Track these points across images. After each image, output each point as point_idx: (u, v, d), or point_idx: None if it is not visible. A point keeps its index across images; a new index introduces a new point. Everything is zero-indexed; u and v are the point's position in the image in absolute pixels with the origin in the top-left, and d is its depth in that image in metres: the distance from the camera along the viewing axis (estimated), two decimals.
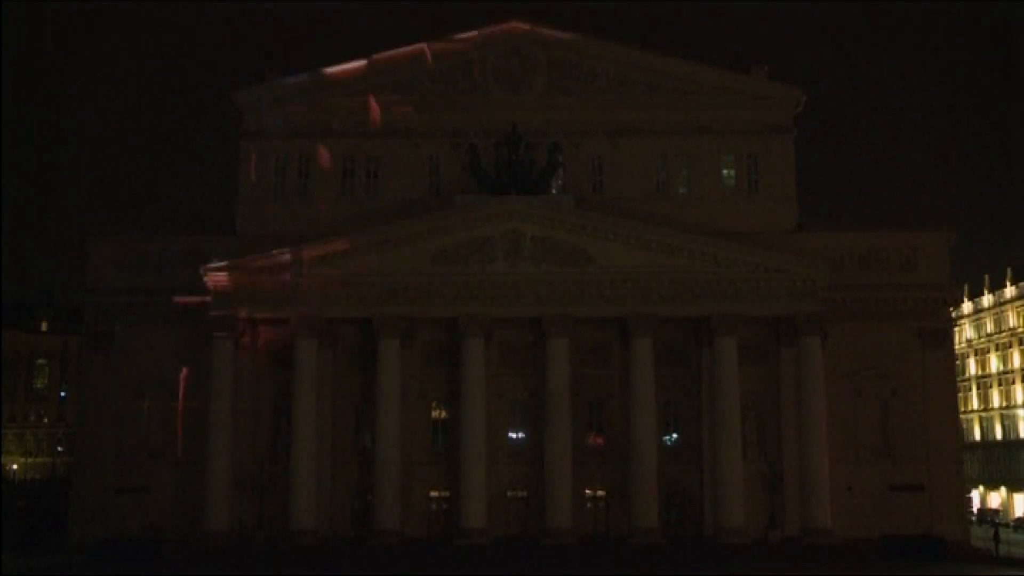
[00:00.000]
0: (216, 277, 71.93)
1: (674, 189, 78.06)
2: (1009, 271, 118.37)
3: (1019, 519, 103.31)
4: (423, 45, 77.41)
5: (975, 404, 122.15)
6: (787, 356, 73.22)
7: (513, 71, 77.63)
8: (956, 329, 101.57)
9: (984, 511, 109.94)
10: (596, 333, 74.42)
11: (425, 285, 71.80)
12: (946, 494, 73.78)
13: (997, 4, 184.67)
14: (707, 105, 77.81)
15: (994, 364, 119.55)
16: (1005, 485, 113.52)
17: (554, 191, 74.52)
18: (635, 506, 70.98)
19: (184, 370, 73.71)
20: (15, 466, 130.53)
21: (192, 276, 72.49)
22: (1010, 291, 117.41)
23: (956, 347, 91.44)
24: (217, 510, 70.58)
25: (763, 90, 78.31)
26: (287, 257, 72.08)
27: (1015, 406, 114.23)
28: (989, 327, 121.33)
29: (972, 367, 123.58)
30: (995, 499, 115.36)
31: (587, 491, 74.07)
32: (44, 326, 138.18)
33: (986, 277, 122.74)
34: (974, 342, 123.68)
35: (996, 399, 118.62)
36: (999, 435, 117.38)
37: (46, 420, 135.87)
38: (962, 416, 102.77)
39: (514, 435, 75.65)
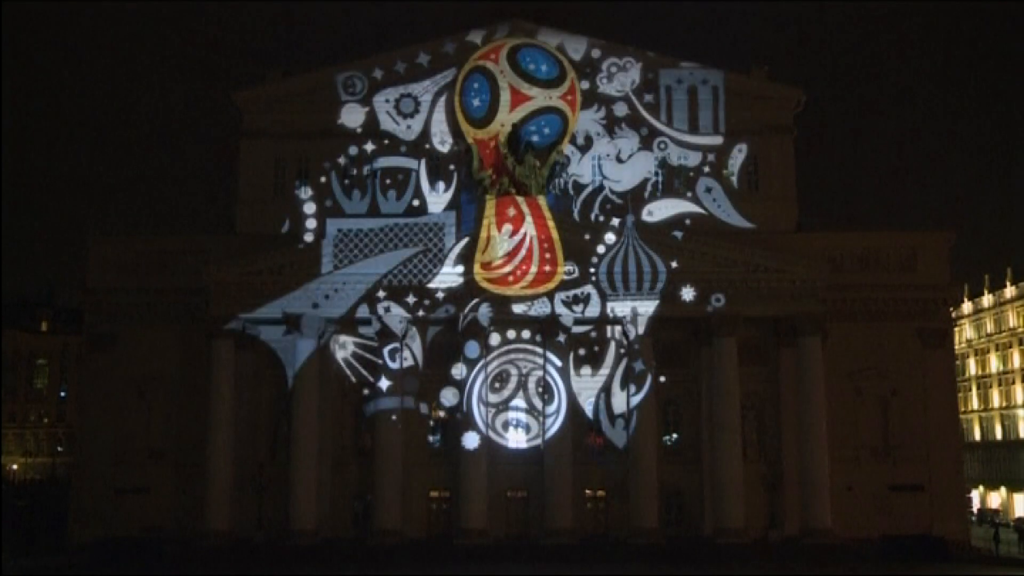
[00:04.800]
0: (216, 277, 72.03)
1: (674, 189, 78.03)
2: (1009, 271, 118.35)
3: (1019, 519, 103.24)
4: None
5: (975, 404, 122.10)
6: (787, 356, 73.29)
7: (513, 71, 77.45)
8: (956, 329, 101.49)
9: (984, 511, 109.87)
10: (596, 333, 74.62)
11: (425, 285, 71.89)
12: (946, 494, 73.74)
13: (997, 4, 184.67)
14: (707, 105, 77.75)
15: (994, 364, 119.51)
16: (1005, 485, 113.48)
17: (555, 191, 74.52)
18: (635, 506, 71.04)
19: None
20: (15, 466, 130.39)
21: (192, 276, 72.63)
22: (1010, 291, 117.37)
23: (956, 347, 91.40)
24: (217, 510, 70.65)
25: (763, 90, 78.33)
26: (287, 257, 72.23)
27: (1015, 406, 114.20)
28: (989, 327, 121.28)
29: (972, 367, 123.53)
30: (995, 499, 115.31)
31: (587, 491, 74.09)
32: (44, 326, 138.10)
33: (986, 277, 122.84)
34: (974, 342, 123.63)
35: (996, 399, 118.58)
36: (999, 435, 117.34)
37: (46, 420, 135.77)
38: (962, 416, 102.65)
39: (514, 435, 75.49)
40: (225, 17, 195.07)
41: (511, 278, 71.72)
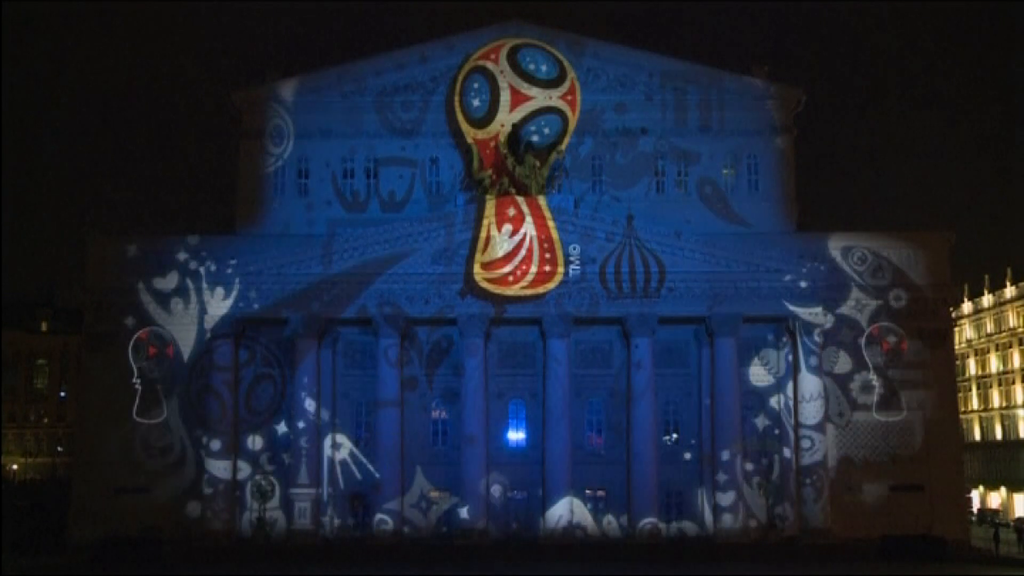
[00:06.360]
0: (214, 276, 72.03)
1: (674, 189, 78.07)
2: (1009, 271, 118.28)
3: (1019, 519, 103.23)
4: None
5: (975, 404, 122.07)
6: (787, 355, 73.26)
7: (513, 71, 77.45)
8: (956, 329, 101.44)
9: (984, 511, 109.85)
10: (596, 333, 74.67)
11: (425, 285, 71.92)
12: (946, 494, 73.69)
13: (997, 4, 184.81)
14: (707, 105, 77.84)
15: (994, 364, 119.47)
16: (1005, 485, 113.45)
17: (554, 191, 74.55)
18: (635, 506, 71.08)
19: None
20: (15, 466, 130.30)
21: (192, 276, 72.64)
22: (1010, 291, 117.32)
23: (956, 347, 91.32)
24: (217, 510, 70.65)
25: (763, 90, 78.38)
26: (286, 257, 72.22)
27: (1015, 406, 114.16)
28: (989, 327, 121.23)
29: (972, 367, 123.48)
30: (995, 499, 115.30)
31: (587, 491, 74.13)
32: (44, 326, 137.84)
33: (986, 277, 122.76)
34: (974, 342, 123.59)
35: (996, 399, 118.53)
36: (999, 435, 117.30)
37: (46, 420, 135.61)
38: (962, 416, 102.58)
39: (514, 435, 75.78)
40: (225, 17, 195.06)
41: (511, 278, 71.72)
